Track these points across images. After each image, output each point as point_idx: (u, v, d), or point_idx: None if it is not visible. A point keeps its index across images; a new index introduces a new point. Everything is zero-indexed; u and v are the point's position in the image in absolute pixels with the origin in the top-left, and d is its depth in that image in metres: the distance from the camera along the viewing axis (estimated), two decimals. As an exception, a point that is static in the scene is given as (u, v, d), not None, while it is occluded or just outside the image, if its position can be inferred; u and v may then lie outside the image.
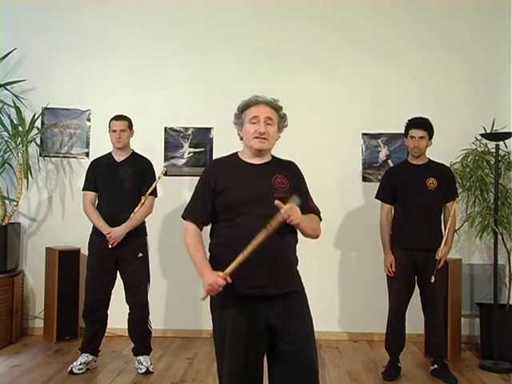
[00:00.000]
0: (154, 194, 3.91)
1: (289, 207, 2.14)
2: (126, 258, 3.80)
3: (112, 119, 3.91)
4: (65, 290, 4.47)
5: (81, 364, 3.78)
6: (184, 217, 2.38)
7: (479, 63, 4.78)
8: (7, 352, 4.26)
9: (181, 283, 4.78)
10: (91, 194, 3.89)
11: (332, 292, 4.78)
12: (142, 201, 3.78)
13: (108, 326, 3.94)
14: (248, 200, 2.23)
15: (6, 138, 4.64)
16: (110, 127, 3.90)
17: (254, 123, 2.30)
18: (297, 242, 2.37)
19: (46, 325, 4.66)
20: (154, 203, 3.91)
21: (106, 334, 3.97)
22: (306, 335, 2.26)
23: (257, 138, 2.28)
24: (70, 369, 3.77)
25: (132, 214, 3.75)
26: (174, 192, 4.72)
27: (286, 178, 2.30)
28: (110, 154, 3.95)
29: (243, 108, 2.36)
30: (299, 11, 4.85)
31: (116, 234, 3.72)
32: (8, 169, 4.76)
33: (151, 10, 4.90)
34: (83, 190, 3.93)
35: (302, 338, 2.24)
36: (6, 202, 4.63)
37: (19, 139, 4.58)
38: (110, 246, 3.72)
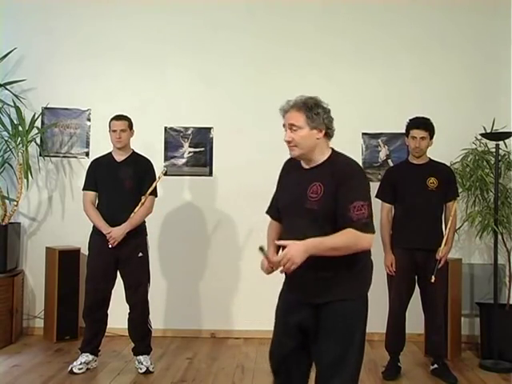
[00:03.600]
0: (154, 193, 3.91)
1: (283, 255, 2.06)
2: (126, 258, 3.80)
3: (112, 119, 3.90)
4: (65, 289, 4.47)
5: (81, 364, 3.79)
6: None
7: (479, 63, 4.78)
8: (7, 352, 4.26)
9: (181, 283, 4.79)
10: (91, 194, 3.89)
11: (332, 292, 4.76)
12: (142, 201, 3.78)
13: (108, 326, 3.93)
14: (285, 206, 2.34)
15: (6, 138, 4.64)
16: (110, 127, 3.90)
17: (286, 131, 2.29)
18: None
19: (45, 325, 4.66)
20: (154, 203, 3.91)
21: (106, 334, 3.96)
22: (329, 355, 2.22)
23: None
24: (70, 368, 3.78)
25: (132, 214, 3.75)
26: (174, 192, 4.73)
27: (322, 186, 2.17)
28: (110, 153, 3.95)
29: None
30: (299, 12, 4.85)
31: (116, 233, 3.71)
32: (8, 169, 4.76)
33: (151, 11, 4.90)
34: (83, 189, 3.93)
35: (323, 356, 2.24)
36: (6, 201, 4.62)
37: (19, 139, 4.58)
38: (110, 246, 3.72)
